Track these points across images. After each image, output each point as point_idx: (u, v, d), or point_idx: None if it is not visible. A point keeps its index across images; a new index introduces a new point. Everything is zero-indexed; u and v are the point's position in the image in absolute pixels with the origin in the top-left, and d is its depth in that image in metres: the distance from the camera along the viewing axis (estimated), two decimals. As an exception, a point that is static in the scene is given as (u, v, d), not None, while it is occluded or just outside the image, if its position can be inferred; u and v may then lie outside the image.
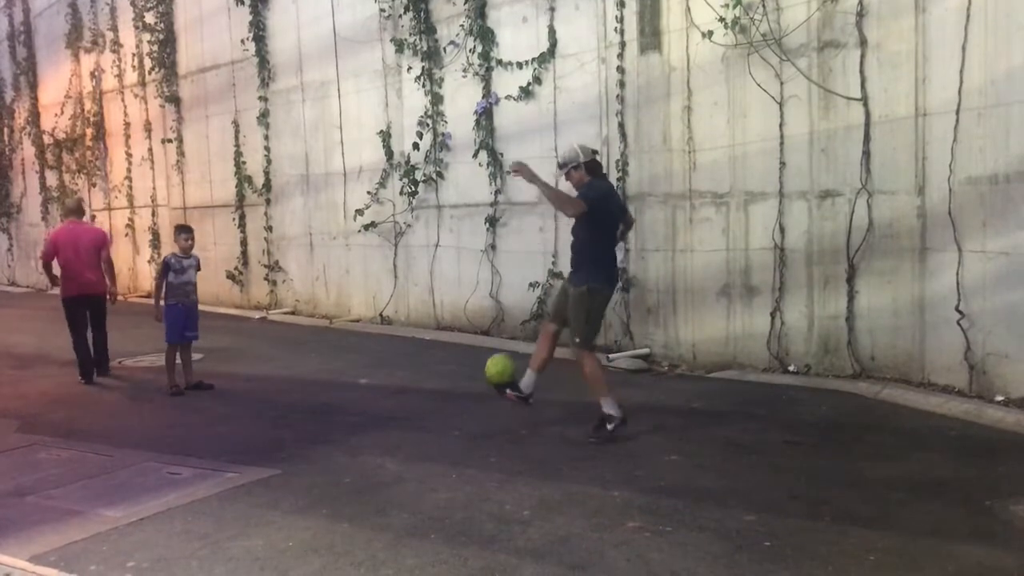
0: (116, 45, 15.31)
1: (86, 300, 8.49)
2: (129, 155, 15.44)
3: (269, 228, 12.92)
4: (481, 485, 4.97)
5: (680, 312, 8.27)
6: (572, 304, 5.89)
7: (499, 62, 9.63)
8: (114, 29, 15.33)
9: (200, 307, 8.20)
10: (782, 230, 7.52)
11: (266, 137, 12.72)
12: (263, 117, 12.68)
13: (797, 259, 7.48)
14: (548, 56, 9.14)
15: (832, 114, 7.14)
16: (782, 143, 7.42)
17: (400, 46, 10.57)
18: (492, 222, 9.93)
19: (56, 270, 8.58)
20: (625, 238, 7.33)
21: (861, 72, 6.93)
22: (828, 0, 7.05)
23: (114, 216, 16.14)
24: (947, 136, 6.43)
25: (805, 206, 7.39)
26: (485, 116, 9.79)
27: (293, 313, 12.61)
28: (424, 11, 10.29)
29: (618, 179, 8.51)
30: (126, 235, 15.78)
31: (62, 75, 16.86)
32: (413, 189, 10.69)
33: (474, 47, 9.82)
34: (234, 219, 13.45)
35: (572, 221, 5.98)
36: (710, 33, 7.62)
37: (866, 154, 6.98)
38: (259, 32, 12.52)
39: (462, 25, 9.91)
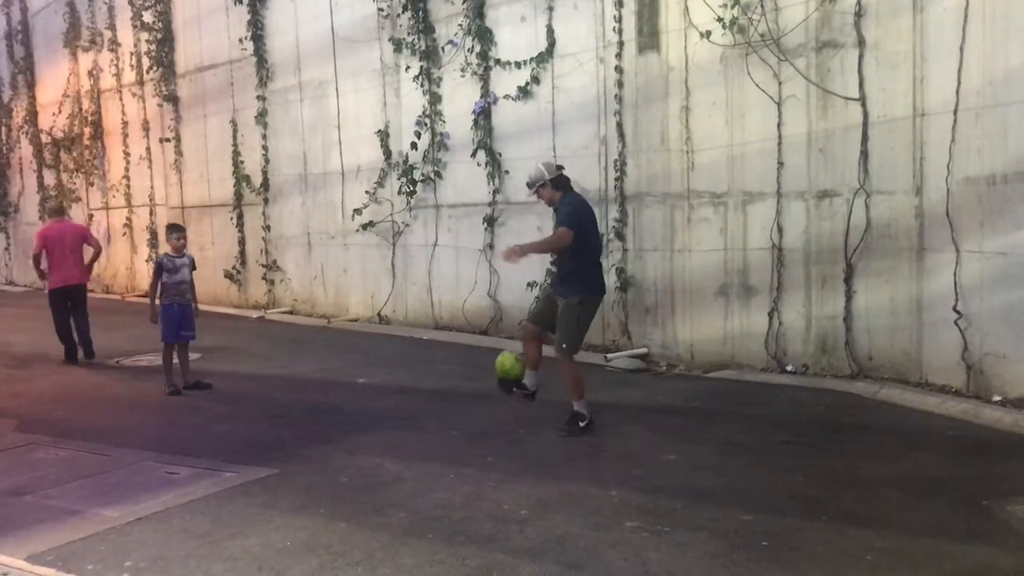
0: (114, 44, 15.29)
1: (69, 290, 9.40)
2: (127, 154, 15.41)
3: (267, 227, 12.90)
4: (479, 484, 4.97)
5: (678, 312, 8.27)
6: (563, 313, 5.98)
7: (497, 62, 9.63)
8: (112, 28, 15.30)
9: (199, 306, 8.19)
10: (780, 230, 7.52)
11: (264, 136, 12.71)
12: (261, 116, 12.66)
13: (795, 259, 7.49)
14: (546, 56, 9.14)
15: (830, 114, 7.15)
16: (780, 143, 7.43)
17: (398, 45, 10.57)
18: (490, 222, 9.93)
19: (44, 265, 9.52)
20: None
21: (859, 72, 6.94)
22: (826, 0, 7.06)
23: (112, 215, 16.11)
24: (945, 136, 6.43)
25: (803, 206, 7.39)
26: (483, 116, 9.79)
27: (291, 312, 12.60)
28: (422, 10, 10.28)
29: (616, 179, 8.53)
30: (124, 234, 15.74)
31: (60, 74, 16.84)
32: (411, 189, 10.69)
33: (472, 47, 9.82)
34: (232, 218, 13.43)
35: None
36: (708, 33, 7.63)
37: (864, 154, 6.99)
38: (257, 31, 12.51)
39: (460, 24, 9.91)
